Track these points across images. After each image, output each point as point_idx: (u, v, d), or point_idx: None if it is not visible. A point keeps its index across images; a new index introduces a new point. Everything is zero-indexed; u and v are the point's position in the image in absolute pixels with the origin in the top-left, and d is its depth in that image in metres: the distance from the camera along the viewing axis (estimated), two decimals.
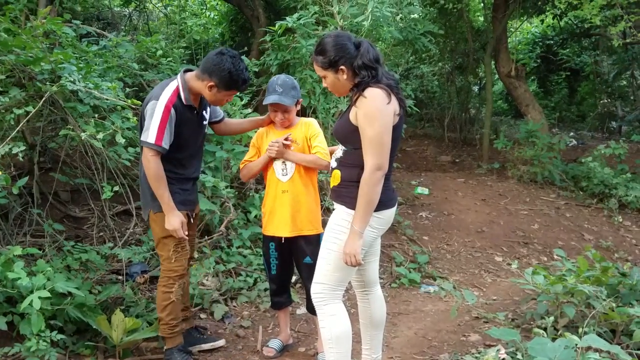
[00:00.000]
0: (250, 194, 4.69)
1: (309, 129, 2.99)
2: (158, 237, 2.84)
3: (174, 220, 2.74)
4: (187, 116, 2.76)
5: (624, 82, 13.06)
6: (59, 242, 3.76)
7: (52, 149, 4.47)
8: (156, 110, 2.64)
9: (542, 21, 13.11)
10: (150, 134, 2.64)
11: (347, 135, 2.48)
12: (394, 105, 2.40)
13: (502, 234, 5.49)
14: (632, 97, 13.02)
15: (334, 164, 2.60)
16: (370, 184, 2.34)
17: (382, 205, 2.43)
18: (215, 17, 11.34)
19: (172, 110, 2.66)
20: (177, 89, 2.70)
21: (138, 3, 9.50)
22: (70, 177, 4.37)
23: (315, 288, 2.58)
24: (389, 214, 2.57)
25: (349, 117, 2.44)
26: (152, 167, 2.67)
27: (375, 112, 2.33)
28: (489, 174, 7.66)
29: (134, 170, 4.15)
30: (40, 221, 3.77)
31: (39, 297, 2.63)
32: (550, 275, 3.12)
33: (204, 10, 11.17)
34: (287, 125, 3.01)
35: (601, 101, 13.38)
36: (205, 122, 2.97)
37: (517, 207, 6.14)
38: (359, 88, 2.42)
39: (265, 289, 3.96)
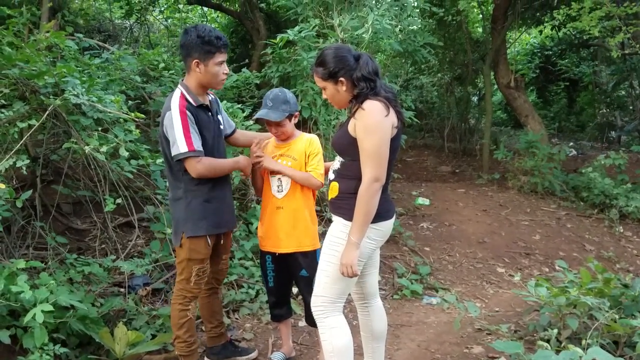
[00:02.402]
0: (252, 206, 4.70)
1: (309, 145, 2.96)
2: (183, 258, 2.78)
3: (243, 162, 2.88)
4: (202, 117, 2.73)
5: (623, 92, 13.12)
6: (61, 254, 3.75)
7: (54, 161, 4.49)
8: (174, 118, 2.60)
9: (541, 32, 13.20)
10: (180, 145, 2.59)
11: (345, 146, 2.50)
12: (392, 117, 2.42)
13: (503, 244, 5.49)
14: (631, 107, 13.08)
15: (331, 175, 2.61)
16: (368, 196, 2.36)
17: (380, 216, 2.45)
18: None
19: (188, 112, 2.63)
20: (182, 94, 2.70)
21: (139, 15, 9.56)
22: (72, 189, 4.38)
23: (315, 301, 2.59)
24: (387, 226, 2.58)
25: (348, 129, 2.46)
26: (204, 170, 2.65)
27: (374, 124, 2.35)
28: (489, 184, 7.67)
29: (136, 182, 4.16)
30: (43, 234, 3.77)
31: (42, 311, 2.63)
32: (553, 287, 3.12)
33: (204, 22, 11.24)
34: (283, 138, 2.99)
35: (600, 111, 13.45)
36: (222, 127, 2.94)
37: (518, 218, 6.15)
38: (357, 100, 2.44)
39: (267, 301, 3.95)
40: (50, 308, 2.66)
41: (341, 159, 2.55)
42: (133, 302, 3.47)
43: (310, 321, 3.07)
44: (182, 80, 2.79)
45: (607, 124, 13.17)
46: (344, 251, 2.38)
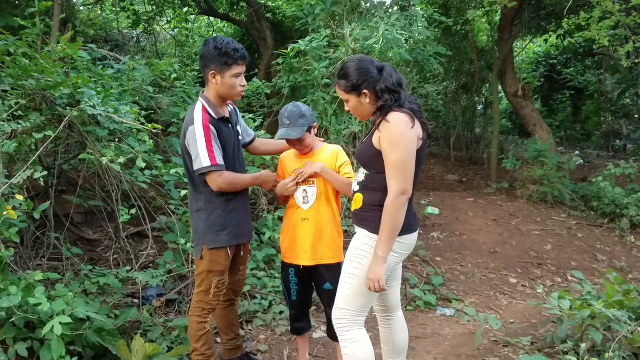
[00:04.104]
0: (264, 215, 4.68)
1: (337, 157, 2.92)
2: (203, 270, 2.78)
3: (265, 177, 2.91)
4: (225, 130, 2.74)
5: (628, 101, 13.12)
6: (77, 265, 3.74)
7: (66, 171, 4.49)
8: (197, 133, 2.60)
9: (546, 41, 13.22)
10: (202, 159, 2.59)
11: (370, 159, 2.48)
12: (418, 129, 2.40)
13: (515, 254, 5.45)
14: (636, 116, 13.08)
15: (356, 187, 2.59)
16: (395, 209, 2.33)
17: (405, 229, 2.42)
18: None
19: (211, 127, 2.64)
20: (204, 107, 2.69)
21: (147, 26, 9.59)
22: (83, 199, 4.37)
23: (337, 314, 2.56)
24: (412, 238, 2.56)
25: (372, 141, 2.44)
26: (224, 184, 2.65)
27: (399, 136, 2.33)
28: (498, 193, 7.65)
29: (150, 193, 4.15)
30: (58, 245, 3.76)
31: (60, 323, 2.61)
32: (576, 299, 3.08)
33: (211, 32, 11.27)
34: (306, 152, 2.94)
35: (606, 120, 13.44)
36: (240, 138, 2.94)
37: (528, 228, 6.11)
38: (382, 112, 2.43)
39: (281, 312, 3.93)
40: (69, 320, 2.64)
41: (365, 171, 2.53)
42: (148, 313, 3.44)
43: (332, 334, 3.04)
44: (203, 92, 2.79)
45: (613, 132, 13.16)
46: (371, 266, 2.36)
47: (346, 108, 2.58)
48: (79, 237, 4.48)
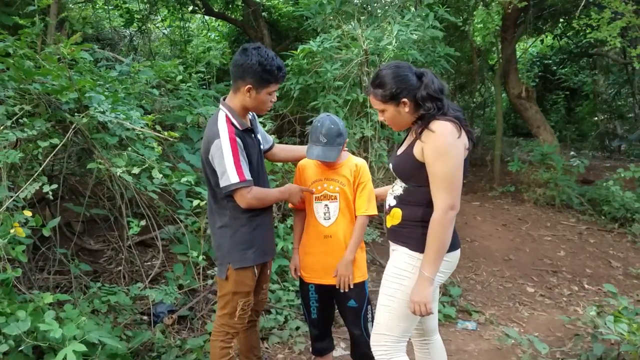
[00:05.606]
0: (276, 224, 4.48)
1: (359, 173, 2.73)
2: (228, 291, 2.58)
3: (291, 191, 2.67)
4: (248, 141, 2.54)
5: (622, 102, 13.10)
6: (81, 279, 3.50)
7: (66, 177, 4.24)
8: (223, 147, 2.39)
9: (542, 41, 13.14)
10: (230, 176, 2.39)
11: (410, 171, 2.29)
12: (464, 138, 2.23)
13: (529, 262, 5.31)
14: (630, 116, 13.09)
15: (392, 201, 2.41)
16: (443, 226, 2.16)
17: (450, 246, 2.24)
18: (216, 38, 11.18)
19: (238, 139, 2.43)
20: (227, 117, 2.48)
21: (141, 24, 9.32)
22: (85, 207, 4.13)
23: (377, 339, 2.38)
24: (457, 256, 2.40)
25: (413, 152, 2.25)
26: (253, 200, 2.46)
27: (446, 147, 2.16)
28: (502, 196, 7.52)
29: (156, 201, 3.93)
30: (65, 260, 3.52)
31: (74, 351, 2.40)
32: (632, 321, 2.92)
33: (206, 32, 11.02)
34: (331, 165, 2.77)
35: (601, 120, 13.42)
36: (261, 146, 2.74)
37: (539, 233, 5.98)
38: (423, 121, 2.25)
39: (297, 327, 3.74)
40: (83, 348, 2.42)
41: (404, 184, 2.35)
42: (162, 333, 3.23)
43: (358, 355, 2.87)
44: (224, 99, 2.58)
45: (607, 133, 13.13)
46: (417, 288, 2.18)
47: (380, 118, 2.40)
48: (80, 248, 4.24)
